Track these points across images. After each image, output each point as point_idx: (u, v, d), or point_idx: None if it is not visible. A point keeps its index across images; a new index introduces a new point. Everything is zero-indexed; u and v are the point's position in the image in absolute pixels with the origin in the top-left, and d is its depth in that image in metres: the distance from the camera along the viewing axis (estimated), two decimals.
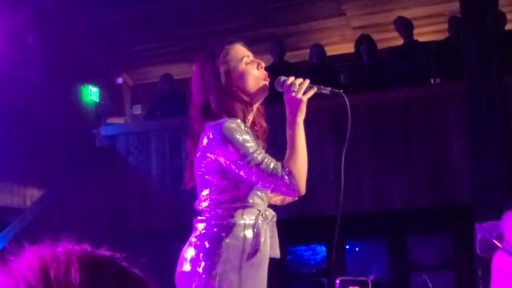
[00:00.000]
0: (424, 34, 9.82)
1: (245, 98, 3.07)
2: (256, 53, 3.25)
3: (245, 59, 3.12)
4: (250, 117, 3.12)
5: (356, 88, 8.94)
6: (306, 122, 3.09)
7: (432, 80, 9.25)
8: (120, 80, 10.97)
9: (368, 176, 8.08)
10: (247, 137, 2.95)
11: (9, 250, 1.10)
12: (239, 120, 3.01)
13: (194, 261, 2.97)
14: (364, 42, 9.08)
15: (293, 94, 3.02)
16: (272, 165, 2.94)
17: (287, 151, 3.03)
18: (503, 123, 7.33)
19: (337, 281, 2.25)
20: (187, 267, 2.99)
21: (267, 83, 3.12)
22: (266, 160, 2.94)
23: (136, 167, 9.12)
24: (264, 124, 3.22)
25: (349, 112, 3.08)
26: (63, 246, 1.10)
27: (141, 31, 10.42)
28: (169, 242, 8.17)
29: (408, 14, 9.47)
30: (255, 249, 2.99)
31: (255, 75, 3.11)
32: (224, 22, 10.02)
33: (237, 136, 2.93)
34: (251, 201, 3.03)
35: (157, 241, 8.79)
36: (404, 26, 9.12)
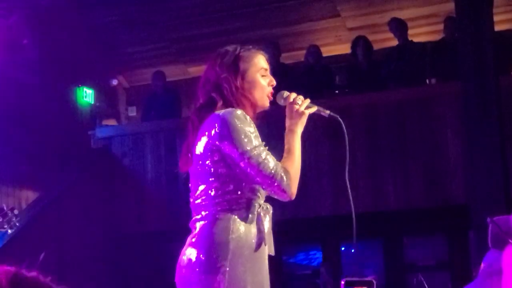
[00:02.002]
0: (419, 34, 9.82)
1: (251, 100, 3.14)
2: None
3: (262, 71, 3.18)
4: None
5: (351, 89, 8.95)
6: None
7: (427, 81, 9.26)
8: (115, 82, 10.95)
9: (364, 177, 8.07)
10: (251, 129, 2.99)
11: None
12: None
13: (200, 262, 2.92)
14: (361, 43, 9.09)
15: (297, 107, 3.16)
16: (272, 164, 2.97)
17: (285, 154, 3.09)
18: (498, 123, 7.33)
19: (342, 282, 2.26)
20: (191, 268, 2.94)
21: (269, 101, 3.20)
22: (268, 157, 2.98)
23: (131, 169, 9.10)
24: None
25: (347, 138, 3.18)
26: None
27: (136, 33, 10.41)
28: (165, 243, 8.17)
29: (403, 14, 9.47)
30: (259, 242, 2.99)
31: (264, 88, 3.17)
32: (219, 24, 10.01)
33: (243, 127, 2.97)
34: (254, 193, 3.03)
35: (153, 243, 8.78)
36: (398, 27, 9.12)
